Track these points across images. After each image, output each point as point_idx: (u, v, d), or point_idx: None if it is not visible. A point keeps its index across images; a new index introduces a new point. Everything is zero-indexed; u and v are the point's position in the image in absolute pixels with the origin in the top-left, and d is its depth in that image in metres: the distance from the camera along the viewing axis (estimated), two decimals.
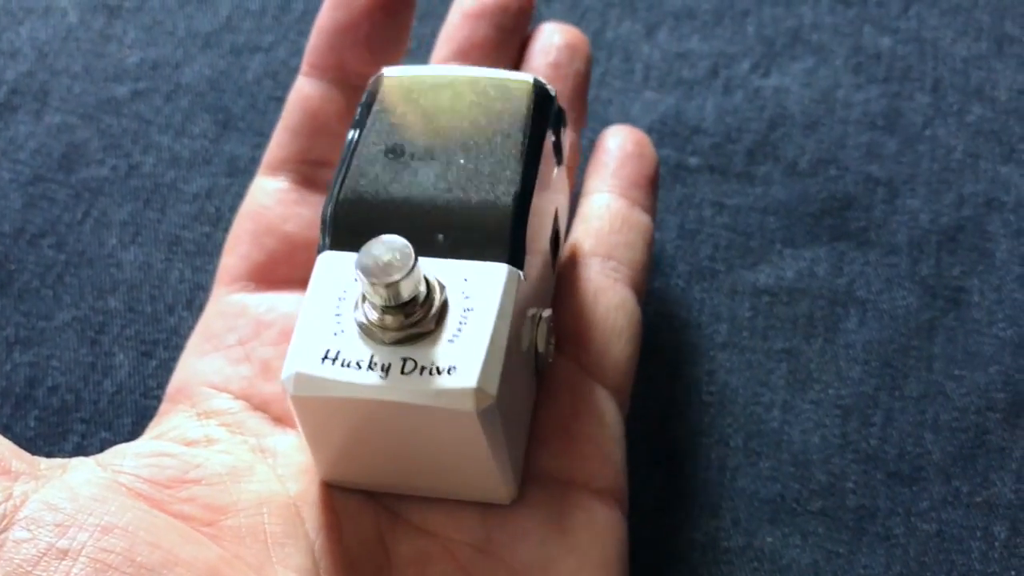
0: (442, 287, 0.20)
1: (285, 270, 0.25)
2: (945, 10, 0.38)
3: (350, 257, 0.20)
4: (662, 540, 0.28)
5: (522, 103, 0.23)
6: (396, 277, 0.19)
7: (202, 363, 0.24)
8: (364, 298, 0.20)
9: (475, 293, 0.20)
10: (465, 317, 0.20)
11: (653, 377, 0.30)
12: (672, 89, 0.35)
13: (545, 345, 0.23)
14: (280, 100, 0.35)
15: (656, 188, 0.30)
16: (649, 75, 0.36)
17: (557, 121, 0.25)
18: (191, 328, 0.26)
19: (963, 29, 0.37)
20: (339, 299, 0.20)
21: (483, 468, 0.21)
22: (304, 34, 0.37)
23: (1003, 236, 0.33)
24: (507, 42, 0.30)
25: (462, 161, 0.22)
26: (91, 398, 0.30)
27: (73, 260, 0.32)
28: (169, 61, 0.36)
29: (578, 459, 0.23)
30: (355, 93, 0.27)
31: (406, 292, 0.19)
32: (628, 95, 0.35)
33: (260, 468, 0.22)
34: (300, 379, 0.20)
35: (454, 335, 0.20)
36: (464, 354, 0.19)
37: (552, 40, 0.30)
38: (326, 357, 0.20)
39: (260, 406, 0.23)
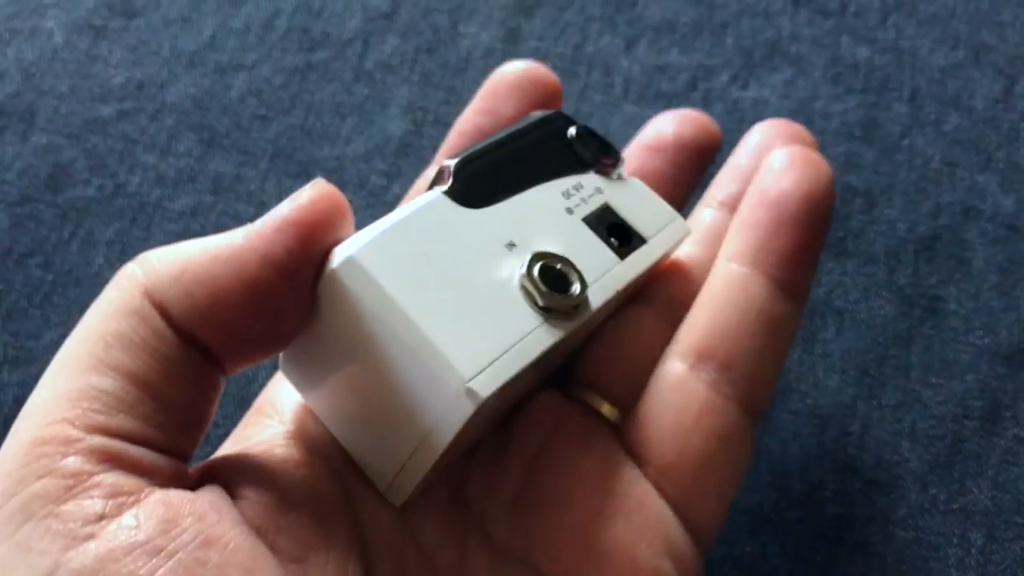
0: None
1: None
2: (923, 20, 0.38)
3: None
4: None
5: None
6: None
7: None
8: None
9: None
10: None
11: None
12: (652, 102, 0.36)
13: (529, 277, 0.21)
14: (264, 118, 0.36)
15: (816, 254, 0.24)
16: (629, 88, 0.36)
17: (563, 122, 0.25)
18: None
19: (940, 38, 0.37)
20: None
21: (418, 354, 0.19)
22: (288, 51, 0.37)
23: (980, 245, 0.33)
24: (683, 176, 0.28)
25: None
26: None
27: (60, 280, 0.32)
28: (154, 81, 0.36)
29: None
30: None
31: None
32: (608, 109, 0.36)
33: (347, 508, 0.21)
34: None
35: None
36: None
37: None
38: None
39: None
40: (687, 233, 0.25)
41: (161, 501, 0.18)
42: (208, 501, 0.18)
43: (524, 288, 0.21)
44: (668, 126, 0.29)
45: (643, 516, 0.22)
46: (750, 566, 0.28)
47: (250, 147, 0.35)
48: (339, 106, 0.36)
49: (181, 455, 0.20)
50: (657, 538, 0.22)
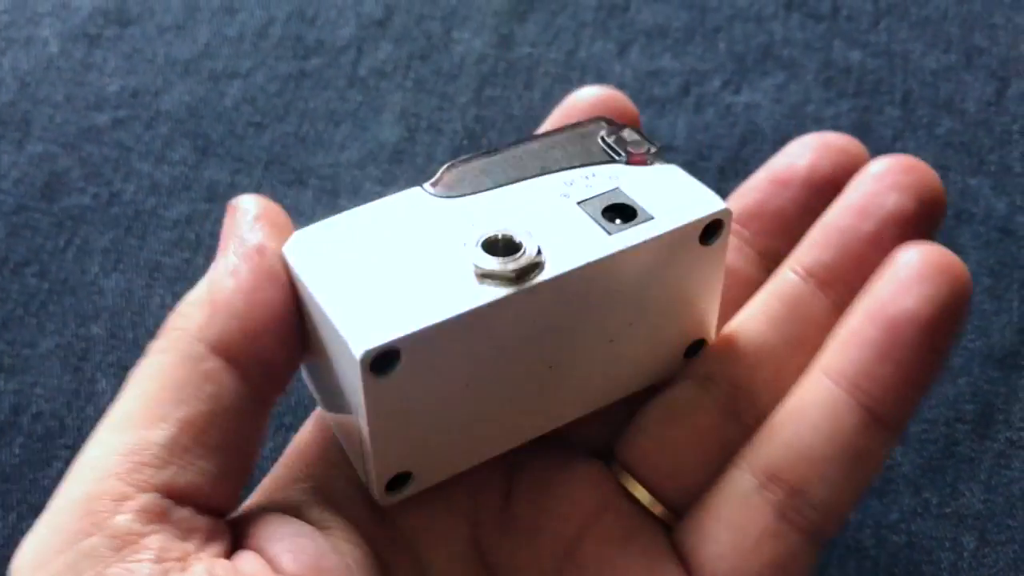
0: None
1: None
2: (914, 23, 0.38)
3: None
4: None
5: None
6: None
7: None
8: None
9: None
10: None
11: None
12: (644, 108, 0.36)
13: (470, 247, 0.21)
14: (258, 125, 0.36)
15: (929, 384, 0.21)
16: None
17: (602, 124, 0.25)
18: None
19: (932, 42, 0.38)
20: None
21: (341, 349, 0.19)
22: (282, 59, 0.37)
23: (972, 248, 0.33)
24: (799, 220, 0.24)
25: None
26: (75, 424, 0.30)
27: (56, 288, 0.33)
28: (149, 89, 0.36)
29: None
30: None
31: None
32: None
33: (377, 571, 0.21)
34: None
35: None
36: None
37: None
38: None
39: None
40: (720, 209, 0.22)
41: (207, 571, 0.18)
42: (250, 572, 0.19)
43: (469, 260, 0.21)
44: (803, 154, 0.24)
45: None
46: None
47: (244, 155, 0.35)
48: (333, 113, 0.36)
49: (222, 511, 0.20)
50: None
